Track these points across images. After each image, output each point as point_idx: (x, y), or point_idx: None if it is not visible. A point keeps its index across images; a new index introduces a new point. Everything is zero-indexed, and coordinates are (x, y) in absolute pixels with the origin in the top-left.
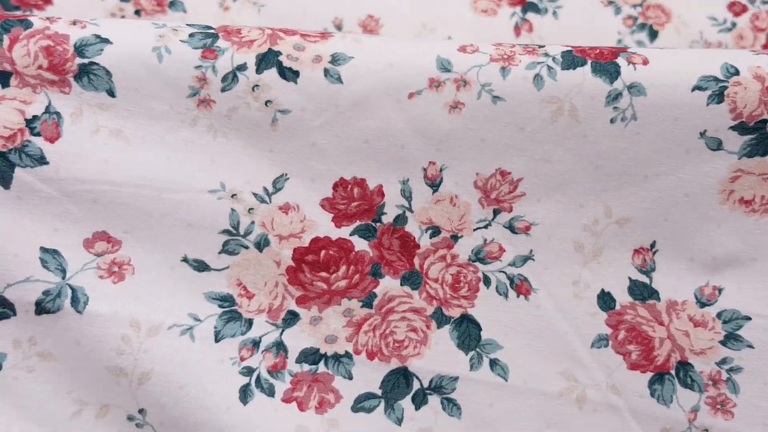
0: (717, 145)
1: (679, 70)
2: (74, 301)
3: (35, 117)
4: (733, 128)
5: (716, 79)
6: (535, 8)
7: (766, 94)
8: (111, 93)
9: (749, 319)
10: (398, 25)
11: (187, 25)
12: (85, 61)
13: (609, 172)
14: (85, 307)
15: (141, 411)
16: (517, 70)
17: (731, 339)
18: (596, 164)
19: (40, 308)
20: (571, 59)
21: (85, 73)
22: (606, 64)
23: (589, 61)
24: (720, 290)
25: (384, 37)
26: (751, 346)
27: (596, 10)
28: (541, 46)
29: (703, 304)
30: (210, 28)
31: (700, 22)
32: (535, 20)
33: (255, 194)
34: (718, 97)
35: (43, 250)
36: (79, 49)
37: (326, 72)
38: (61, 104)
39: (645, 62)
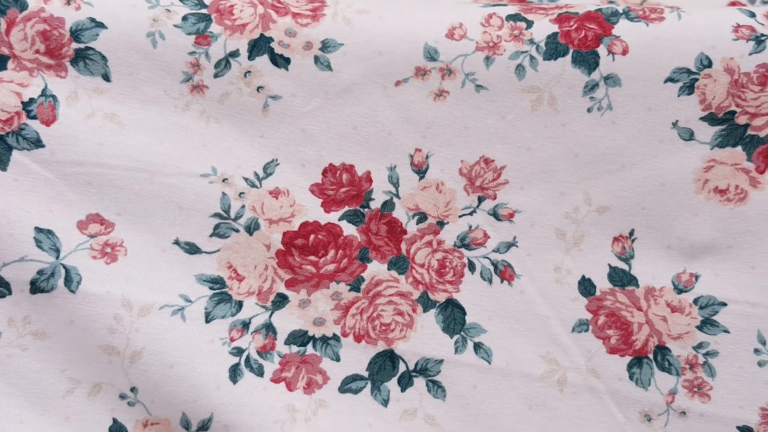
0: (689, 136)
1: (655, 62)
2: (68, 280)
3: (32, 99)
4: (703, 119)
5: (688, 71)
6: None
7: (734, 86)
8: (106, 77)
9: (725, 305)
10: None
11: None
12: (81, 46)
13: (587, 160)
14: (78, 287)
15: (133, 389)
16: (500, 60)
17: (707, 324)
18: (575, 152)
19: (35, 287)
20: (554, 48)
21: (81, 57)
22: (586, 54)
23: (571, 51)
24: (697, 277)
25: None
26: (726, 331)
27: None
28: (529, 26)
29: (680, 291)
30: (203, 5)
31: None
32: None
33: (245, 179)
34: (689, 88)
35: (38, 230)
36: (75, 34)
37: (316, 59)
38: (57, 88)
39: (625, 52)
